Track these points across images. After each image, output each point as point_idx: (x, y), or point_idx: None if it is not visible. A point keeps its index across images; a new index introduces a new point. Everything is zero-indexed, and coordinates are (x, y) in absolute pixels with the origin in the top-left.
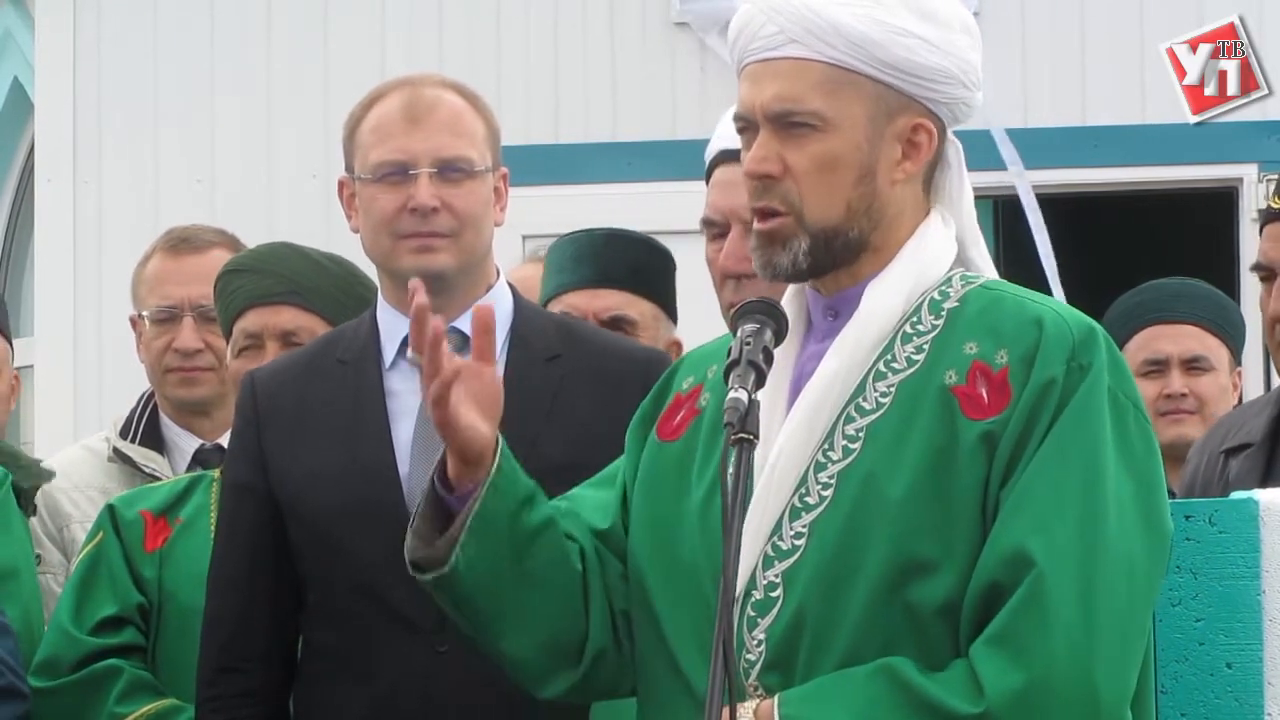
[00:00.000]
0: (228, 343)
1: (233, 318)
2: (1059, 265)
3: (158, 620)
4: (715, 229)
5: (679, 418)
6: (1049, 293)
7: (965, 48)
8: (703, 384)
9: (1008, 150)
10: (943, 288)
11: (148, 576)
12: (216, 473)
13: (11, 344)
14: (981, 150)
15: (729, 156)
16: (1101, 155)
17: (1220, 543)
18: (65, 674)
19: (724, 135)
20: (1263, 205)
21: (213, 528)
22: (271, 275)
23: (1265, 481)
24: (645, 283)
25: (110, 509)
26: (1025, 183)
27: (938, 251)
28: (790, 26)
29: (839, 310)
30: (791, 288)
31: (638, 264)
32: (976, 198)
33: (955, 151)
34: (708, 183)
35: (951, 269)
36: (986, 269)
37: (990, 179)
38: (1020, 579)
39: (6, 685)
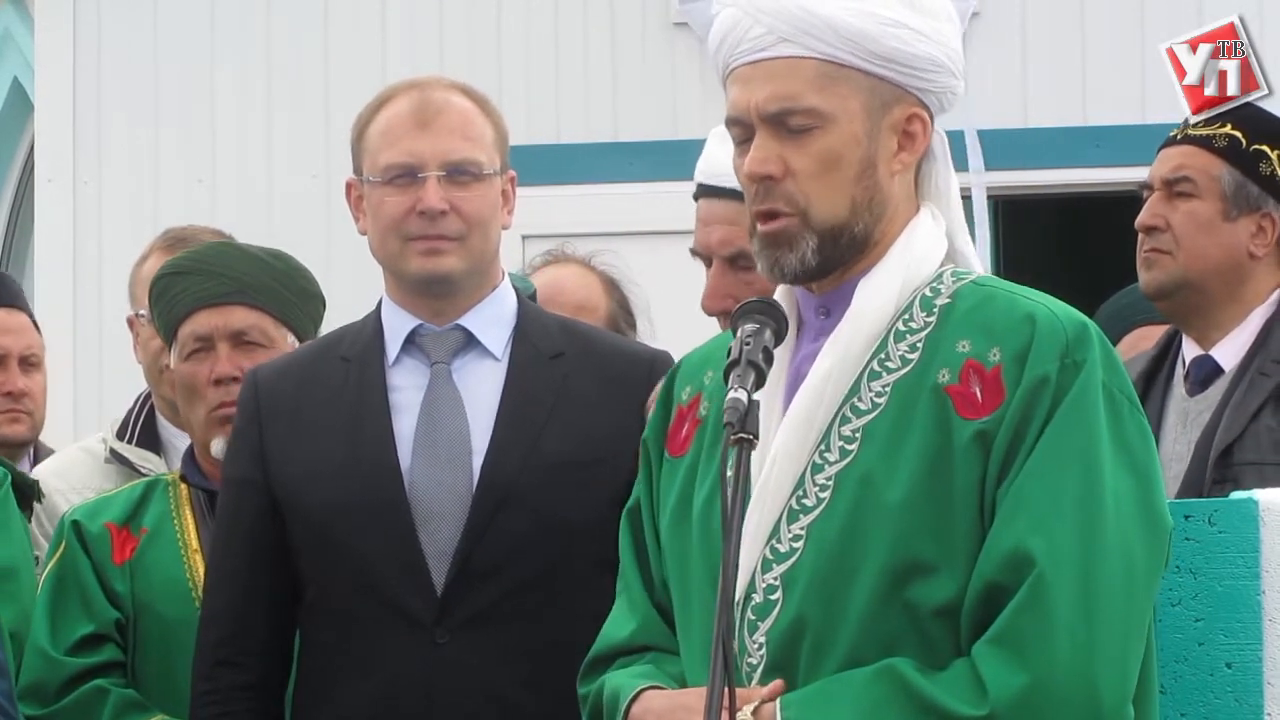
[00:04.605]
0: (168, 347)
1: (178, 321)
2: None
3: (135, 634)
4: (704, 259)
5: (684, 431)
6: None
7: (951, 35)
8: (701, 392)
9: (974, 154)
10: (934, 284)
11: (120, 590)
12: (171, 475)
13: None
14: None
15: (705, 192)
16: (1101, 155)
17: (1220, 543)
18: (53, 699)
19: (704, 171)
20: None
21: (179, 535)
22: (216, 276)
23: None
24: None
25: (74, 524)
26: (981, 189)
27: (928, 247)
28: (779, 25)
29: (830, 308)
30: (781, 288)
31: None
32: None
33: (940, 143)
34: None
35: (942, 265)
36: (972, 259)
37: (991, 179)
38: (1021, 579)
39: None
